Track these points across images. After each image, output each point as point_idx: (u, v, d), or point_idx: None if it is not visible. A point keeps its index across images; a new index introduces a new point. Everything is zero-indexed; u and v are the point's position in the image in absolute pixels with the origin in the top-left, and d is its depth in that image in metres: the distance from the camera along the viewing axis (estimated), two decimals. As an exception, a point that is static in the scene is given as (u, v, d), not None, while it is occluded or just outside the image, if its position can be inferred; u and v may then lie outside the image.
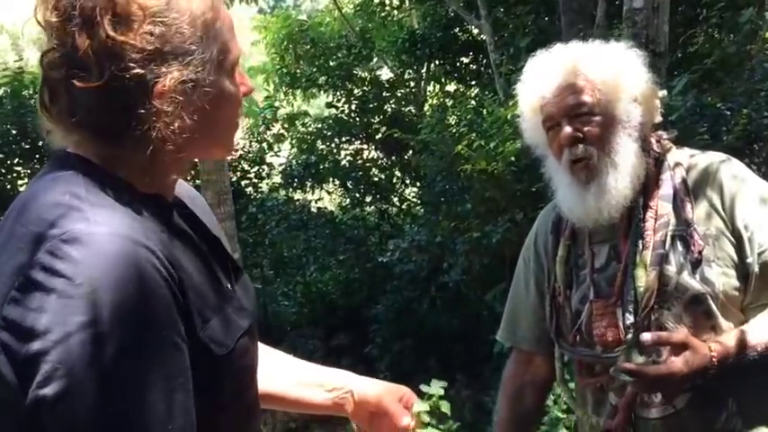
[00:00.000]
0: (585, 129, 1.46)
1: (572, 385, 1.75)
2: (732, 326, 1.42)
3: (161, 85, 0.85)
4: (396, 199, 8.10)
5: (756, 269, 1.40)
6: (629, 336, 1.44)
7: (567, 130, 1.46)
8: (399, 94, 8.40)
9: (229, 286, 1.00)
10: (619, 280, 1.48)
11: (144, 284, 0.77)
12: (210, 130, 0.94)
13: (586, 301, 1.53)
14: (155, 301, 0.78)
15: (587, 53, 1.50)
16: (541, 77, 1.51)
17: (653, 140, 1.53)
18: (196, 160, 2.78)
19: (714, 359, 1.34)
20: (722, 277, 1.41)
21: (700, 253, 1.41)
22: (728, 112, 3.83)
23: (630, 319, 1.45)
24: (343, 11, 9.24)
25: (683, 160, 1.52)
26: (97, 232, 0.78)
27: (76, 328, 0.73)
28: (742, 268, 1.41)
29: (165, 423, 0.76)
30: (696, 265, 1.42)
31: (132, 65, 0.83)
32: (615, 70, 1.47)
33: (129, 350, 0.75)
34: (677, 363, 1.34)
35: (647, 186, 1.49)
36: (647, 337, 1.37)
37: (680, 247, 1.43)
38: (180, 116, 0.87)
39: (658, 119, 1.53)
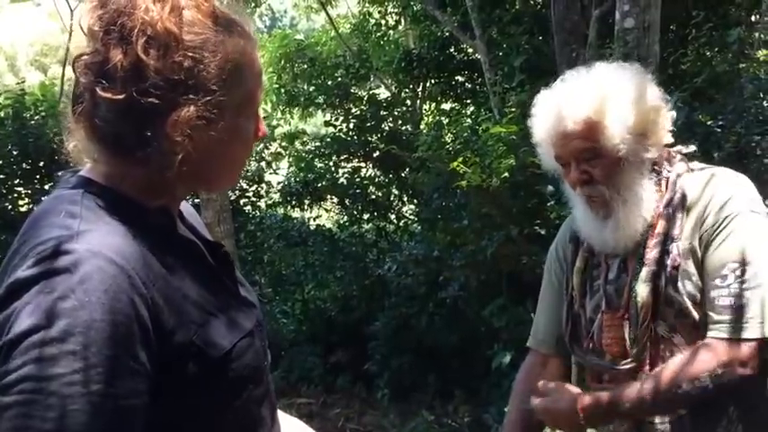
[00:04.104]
0: (593, 170, 1.50)
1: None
2: None
3: (175, 115, 0.90)
4: (393, 216, 8.15)
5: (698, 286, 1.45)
6: (634, 349, 1.50)
7: (575, 173, 1.51)
8: (397, 113, 8.48)
9: (235, 289, 1.06)
10: (626, 294, 1.54)
11: (108, 303, 0.80)
12: (216, 165, 0.99)
13: (599, 311, 1.59)
14: (114, 320, 0.80)
15: (588, 92, 1.49)
16: (546, 120, 1.54)
17: (666, 159, 1.56)
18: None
19: (581, 411, 1.48)
20: (699, 292, 1.45)
21: (675, 268, 1.46)
22: (719, 130, 3.89)
23: (634, 332, 1.51)
24: (340, 30, 9.35)
25: (684, 175, 1.54)
26: (78, 249, 0.82)
27: (35, 333, 0.77)
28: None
29: None
30: (677, 279, 1.46)
31: (152, 89, 0.88)
32: (617, 109, 1.47)
33: (72, 359, 0.77)
34: (540, 405, 1.56)
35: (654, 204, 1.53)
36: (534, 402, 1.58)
37: (667, 262, 1.48)
38: (186, 148, 0.91)
39: (669, 139, 1.55)
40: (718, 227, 1.44)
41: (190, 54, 0.90)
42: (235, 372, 0.96)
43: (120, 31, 0.89)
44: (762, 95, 4.27)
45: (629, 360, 1.51)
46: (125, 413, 0.79)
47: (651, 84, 1.54)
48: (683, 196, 1.51)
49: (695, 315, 1.45)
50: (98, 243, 0.84)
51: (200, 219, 1.18)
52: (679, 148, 1.60)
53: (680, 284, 1.46)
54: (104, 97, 0.88)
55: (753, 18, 6.14)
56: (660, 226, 1.50)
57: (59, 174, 1.04)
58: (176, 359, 0.88)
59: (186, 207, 1.11)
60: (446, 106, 8.66)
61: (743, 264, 1.40)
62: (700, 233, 1.46)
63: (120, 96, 0.88)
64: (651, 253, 1.49)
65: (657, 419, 1.52)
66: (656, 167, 1.53)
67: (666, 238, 1.49)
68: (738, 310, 1.39)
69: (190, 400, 0.90)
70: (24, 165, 5.92)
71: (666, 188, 1.52)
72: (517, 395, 1.77)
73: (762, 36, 5.74)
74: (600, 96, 1.48)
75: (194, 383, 0.90)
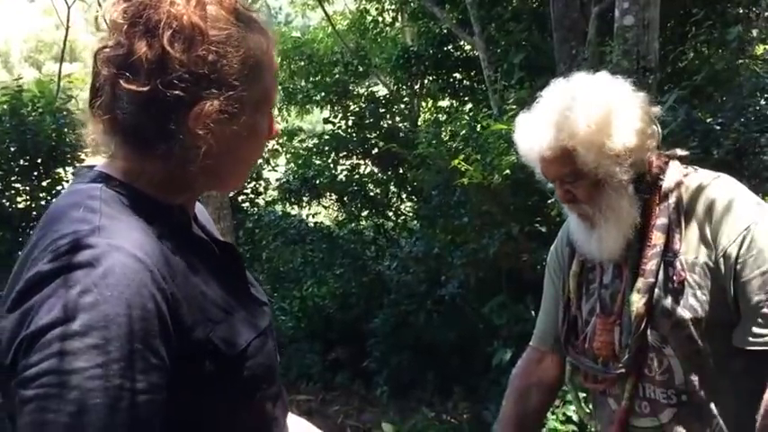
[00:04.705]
0: (576, 191, 1.53)
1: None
2: (718, 351, 1.45)
3: (198, 108, 0.91)
4: (391, 213, 8.15)
5: (732, 299, 1.42)
6: (624, 355, 1.52)
7: (560, 192, 1.55)
8: (395, 110, 8.48)
9: (246, 288, 1.06)
10: (619, 300, 1.56)
11: (130, 298, 0.80)
12: (232, 162, 0.99)
13: (594, 314, 1.61)
14: (136, 315, 0.80)
15: (562, 117, 1.49)
16: (525, 144, 1.57)
17: (656, 163, 1.56)
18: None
19: None
20: (705, 305, 1.44)
21: (681, 283, 1.46)
22: (719, 128, 3.90)
23: (625, 339, 1.53)
24: (337, 27, 9.34)
25: (680, 183, 1.54)
26: (99, 243, 0.83)
27: (56, 327, 0.77)
28: (722, 297, 1.43)
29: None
30: (679, 292, 1.46)
31: (177, 82, 0.89)
32: (591, 134, 1.47)
33: (94, 353, 0.77)
34: None
35: (646, 214, 1.54)
36: None
37: (669, 275, 1.48)
38: (208, 142, 0.92)
39: (654, 143, 1.55)
40: (744, 239, 1.41)
41: (213, 48, 0.91)
42: (249, 370, 0.96)
43: (146, 23, 0.89)
44: (760, 93, 4.28)
45: (618, 365, 1.53)
46: (145, 408, 0.80)
47: (633, 98, 1.53)
48: (679, 208, 1.51)
49: (692, 328, 1.45)
50: (120, 238, 0.84)
51: (209, 217, 1.18)
52: (674, 151, 1.60)
53: (682, 298, 1.46)
54: (128, 89, 0.89)
55: (750, 15, 6.16)
56: (657, 238, 1.50)
57: (75, 168, 1.04)
58: (193, 356, 0.88)
59: (198, 206, 1.12)
60: (444, 103, 8.67)
61: None
62: (720, 248, 1.43)
63: (145, 89, 0.88)
64: (648, 265, 1.50)
65: (642, 423, 1.53)
66: (648, 176, 1.54)
67: (667, 251, 1.49)
68: None
69: (204, 398, 0.91)
70: (22, 161, 5.90)
71: (660, 197, 1.53)
72: (513, 391, 1.79)
73: (760, 33, 5.76)
74: (573, 121, 1.48)
75: (209, 381, 0.91)
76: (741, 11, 6.02)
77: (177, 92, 0.89)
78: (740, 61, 4.94)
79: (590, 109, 1.48)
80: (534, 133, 1.53)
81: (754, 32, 5.86)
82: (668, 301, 1.47)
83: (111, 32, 0.92)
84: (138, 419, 0.79)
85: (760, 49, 5.80)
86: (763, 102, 4.28)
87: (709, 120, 3.99)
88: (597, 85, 1.54)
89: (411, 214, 7.87)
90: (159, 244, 0.89)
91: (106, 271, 0.80)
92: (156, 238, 0.89)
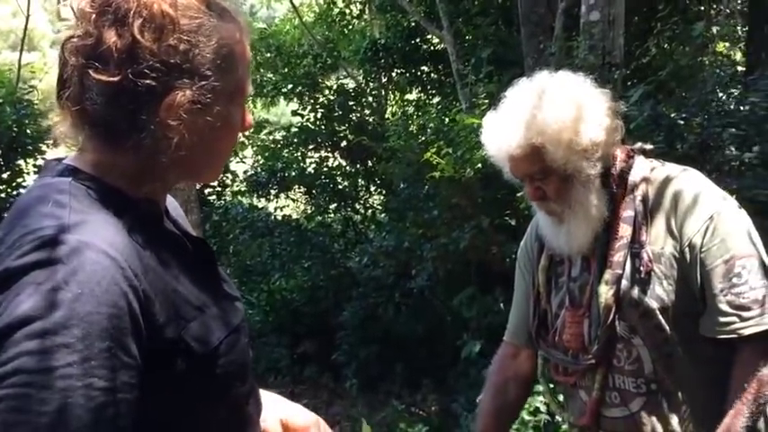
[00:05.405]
0: (546, 188, 1.55)
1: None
2: (686, 339, 1.49)
3: (170, 98, 0.89)
4: (360, 206, 8.15)
5: (698, 288, 1.47)
6: (594, 346, 1.55)
7: (530, 190, 1.57)
8: (365, 103, 8.47)
9: (219, 285, 1.04)
10: (588, 293, 1.59)
11: (102, 295, 0.79)
12: (205, 154, 0.97)
13: (563, 307, 1.64)
14: (108, 312, 0.78)
15: (529, 116, 1.52)
16: (494, 144, 1.58)
17: (621, 157, 1.59)
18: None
19: None
20: (671, 294, 1.48)
21: (648, 273, 1.49)
22: (682, 122, 3.98)
23: (594, 330, 1.56)
24: (304, 19, 9.27)
25: (646, 177, 1.57)
26: (70, 240, 0.81)
27: (27, 325, 0.75)
28: (689, 286, 1.48)
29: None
30: (646, 282, 1.50)
31: (148, 71, 0.87)
32: (559, 131, 1.50)
33: (65, 351, 0.75)
34: None
35: (613, 207, 1.57)
36: None
37: (636, 266, 1.52)
38: (181, 133, 0.90)
39: (618, 137, 1.59)
40: (708, 228, 1.46)
41: (185, 38, 0.90)
42: (222, 368, 0.95)
43: (115, 12, 0.87)
44: (722, 89, 4.38)
45: (588, 357, 1.56)
46: (119, 407, 0.78)
47: (596, 95, 1.56)
48: (645, 200, 1.55)
49: (660, 318, 1.49)
50: (90, 234, 0.82)
51: (182, 212, 1.16)
52: (640, 145, 1.64)
53: (649, 288, 1.50)
54: (97, 80, 0.87)
55: (711, 12, 6.29)
56: (624, 230, 1.54)
57: (44, 161, 1.02)
58: (164, 354, 0.87)
59: (170, 200, 1.10)
60: (411, 96, 8.68)
61: (749, 257, 1.44)
62: (685, 238, 1.48)
63: (115, 78, 0.86)
64: (616, 256, 1.53)
65: (613, 413, 1.57)
66: (613, 171, 1.57)
67: (633, 243, 1.52)
68: (764, 301, 1.42)
69: (176, 397, 0.89)
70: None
71: (626, 190, 1.56)
72: (491, 386, 1.82)
73: (720, 30, 5.89)
74: (541, 119, 1.51)
75: (182, 379, 0.89)
76: (702, 8, 6.15)
77: (148, 81, 0.87)
78: (703, 57, 5.04)
79: (557, 106, 1.51)
80: (502, 133, 1.55)
81: (715, 30, 5.99)
82: (636, 292, 1.50)
83: (78, 22, 0.90)
84: (111, 418, 0.77)
85: (720, 46, 5.94)
86: (724, 97, 4.39)
87: (673, 115, 4.06)
88: (562, 83, 1.57)
89: (380, 207, 7.88)
90: (130, 240, 0.87)
91: (76, 268, 0.78)
92: (127, 234, 0.87)
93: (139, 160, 0.91)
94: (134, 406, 0.80)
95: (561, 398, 1.79)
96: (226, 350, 0.95)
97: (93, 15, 0.88)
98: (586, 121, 1.52)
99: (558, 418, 3.50)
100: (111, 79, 0.86)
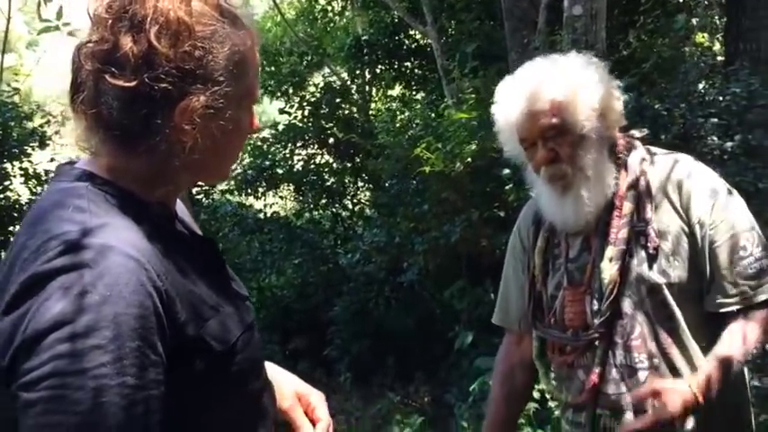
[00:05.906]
0: (559, 149, 1.58)
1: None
2: (690, 315, 1.55)
3: (185, 103, 0.91)
4: (348, 202, 8.17)
5: (707, 263, 1.54)
6: (596, 321, 1.59)
7: (542, 152, 1.60)
8: (352, 100, 8.47)
9: (231, 284, 1.06)
10: (588, 271, 1.62)
11: (129, 297, 0.81)
12: (217, 156, 0.99)
13: (561, 288, 1.67)
14: (136, 313, 0.81)
15: (548, 76, 1.60)
16: (511, 104, 1.63)
17: (621, 142, 1.66)
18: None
19: (696, 394, 1.44)
20: (678, 270, 1.54)
21: (655, 249, 1.55)
22: (665, 113, 4.06)
23: (596, 306, 1.59)
24: (285, 16, 9.24)
25: (646, 160, 1.63)
26: (94, 244, 0.83)
27: (58, 329, 0.77)
28: (697, 262, 1.54)
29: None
30: (653, 258, 1.55)
31: (164, 77, 0.89)
32: (576, 90, 1.58)
33: (98, 353, 0.77)
34: (660, 411, 1.44)
35: (615, 184, 1.62)
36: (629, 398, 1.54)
37: (641, 242, 1.56)
38: (194, 137, 0.92)
39: (622, 122, 1.66)
40: (714, 206, 1.54)
41: (200, 44, 0.91)
42: (237, 365, 0.97)
43: (132, 18, 0.89)
44: (702, 80, 4.47)
45: (590, 332, 1.60)
46: (150, 403, 0.81)
47: (605, 71, 1.65)
48: (646, 179, 1.60)
49: (666, 293, 1.55)
50: (113, 237, 0.85)
51: (188, 213, 1.17)
52: (633, 132, 1.70)
53: (656, 264, 1.55)
54: (113, 85, 0.88)
55: (691, 4, 6.38)
56: (626, 207, 1.59)
57: (57, 165, 1.04)
58: (186, 353, 0.89)
59: (178, 202, 1.11)
60: (394, 92, 8.69)
61: (750, 230, 1.54)
62: (694, 216, 1.55)
63: (131, 84, 0.88)
64: (619, 233, 1.58)
65: (611, 389, 1.60)
66: (616, 151, 1.63)
67: (638, 220, 1.58)
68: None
69: (196, 394, 0.91)
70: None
71: (627, 171, 1.61)
72: (498, 374, 1.88)
73: (700, 21, 5.98)
74: (566, 77, 1.59)
75: (201, 377, 0.92)
76: (682, 0, 6.24)
77: (164, 87, 0.89)
78: (684, 49, 5.12)
79: (575, 69, 1.61)
80: (521, 92, 1.60)
81: (695, 21, 6.08)
82: (643, 268, 1.56)
83: (94, 27, 0.91)
84: (143, 414, 0.79)
85: (700, 37, 6.03)
86: (706, 87, 4.48)
87: (657, 106, 4.14)
88: (580, 57, 1.66)
89: (368, 203, 7.90)
90: (150, 242, 0.89)
91: (103, 271, 0.80)
92: (146, 237, 0.89)
93: (153, 164, 0.93)
94: (162, 402, 0.83)
95: (554, 381, 1.82)
96: (242, 347, 0.98)
97: (110, 21, 0.89)
98: (602, 85, 1.59)
99: (550, 404, 3.57)
100: (128, 84, 0.88)
